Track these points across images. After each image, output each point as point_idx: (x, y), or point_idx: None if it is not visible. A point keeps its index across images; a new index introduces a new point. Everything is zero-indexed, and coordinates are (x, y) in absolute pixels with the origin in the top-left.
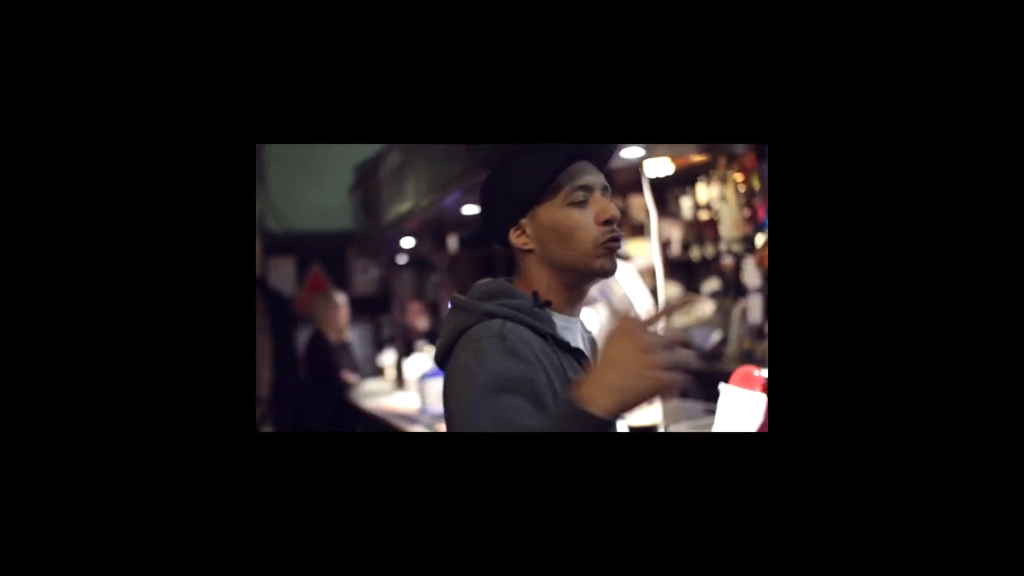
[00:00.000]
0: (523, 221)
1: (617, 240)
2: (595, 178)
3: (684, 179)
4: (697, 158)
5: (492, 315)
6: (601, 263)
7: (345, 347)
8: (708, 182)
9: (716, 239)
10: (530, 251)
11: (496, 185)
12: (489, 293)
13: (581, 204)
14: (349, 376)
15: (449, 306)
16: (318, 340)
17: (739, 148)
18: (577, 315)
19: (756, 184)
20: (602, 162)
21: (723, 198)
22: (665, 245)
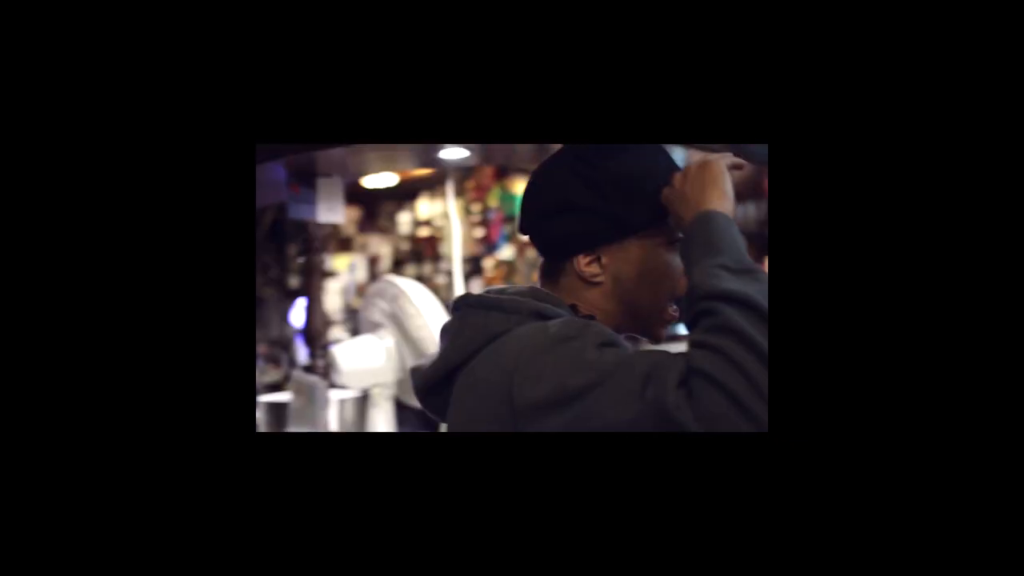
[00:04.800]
0: (608, 247)
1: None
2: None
3: (403, 193)
4: (420, 172)
5: (543, 315)
6: (666, 326)
7: None
8: (431, 197)
9: (436, 257)
10: (597, 284)
11: (586, 190)
12: (527, 293)
13: (677, 244)
14: None
15: (456, 307)
16: None
17: (473, 163)
18: None
19: (493, 202)
20: None
21: (447, 215)
22: (373, 261)
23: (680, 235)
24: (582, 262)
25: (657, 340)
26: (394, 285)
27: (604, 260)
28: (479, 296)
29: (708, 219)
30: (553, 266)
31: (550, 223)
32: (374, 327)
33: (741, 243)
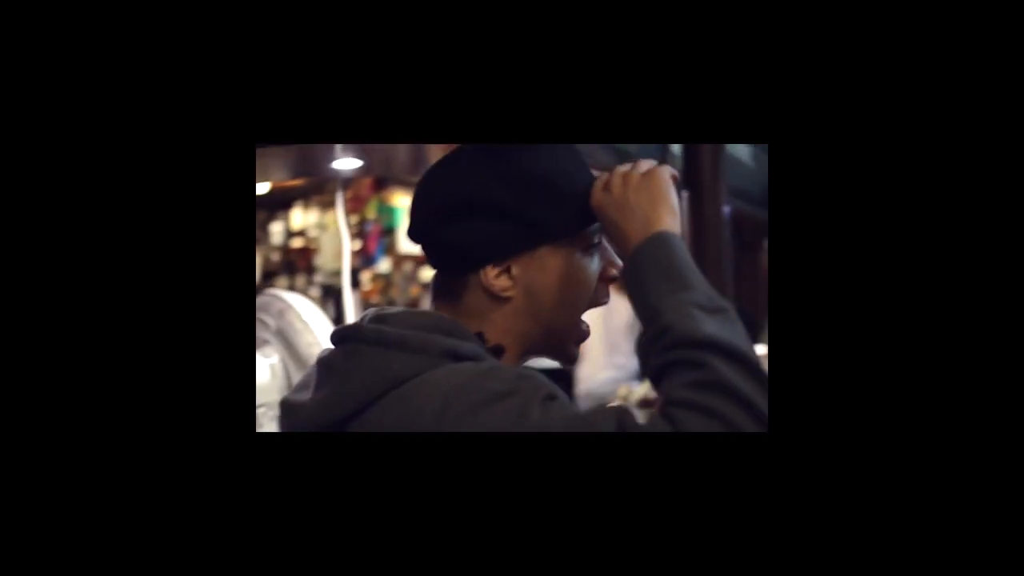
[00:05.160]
0: (517, 259)
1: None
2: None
3: (275, 202)
4: (294, 182)
5: (456, 355)
6: (575, 351)
7: None
8: (305, 207)
9: (310, 269)
10: (506, 299)
11: (495, 190)
12: (431, 326)
13: (591, 250)
14: None
15: (343, 340)
16: None
17: (351, 173)
18: None
19: (371, 214)
20: None
21: (323, 226)
22: None
23: (599, 240)
24: (490, 274)
25: (571, 361)
26: (279, 299)
27: (515, 272)
28: (375, 329)
29: (666, 243)
30: (452, 281)
31: (450, 229)
32: (257, 344)
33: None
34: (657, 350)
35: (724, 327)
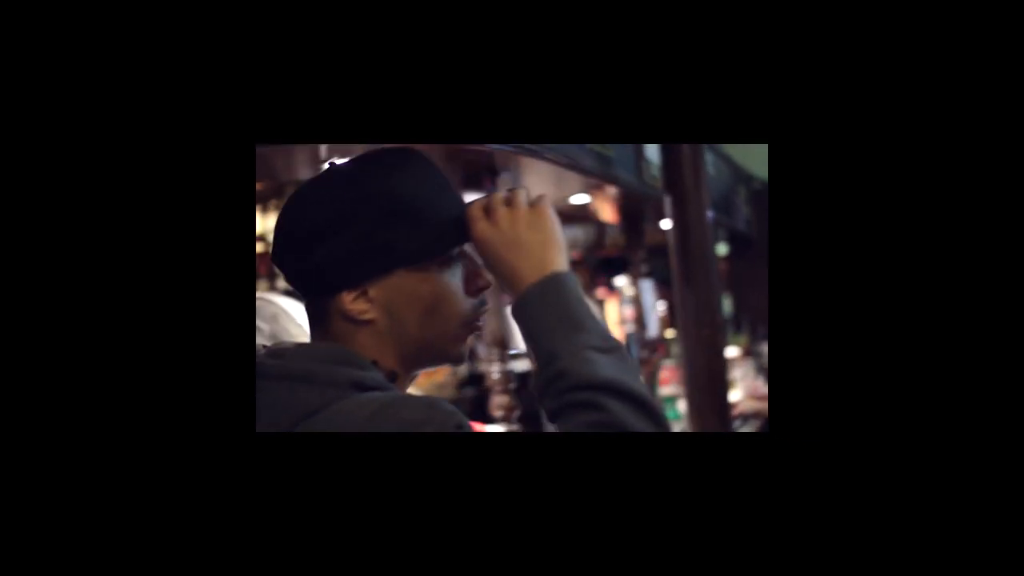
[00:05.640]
0: (373, 281)
1: (480, 318)
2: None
3: None
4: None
5: (362, 385)
6: (459, 349)
7: None
8: (263, 212)
9: (271, 275)
10: (368, 322)
11: (348, 213)
12: (333, 358)
13: (451, 264)
14: None
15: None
16: None
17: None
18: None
19: None
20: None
21: None
22: None
23: (457, 252)
24: (346, 299)
25: (459, 360)
26: (272, 303)
27: (372, 294)
28: (278, 365)
29: (561, 284)
30: (315, 307)
31: (306, 253)
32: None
33: (594, 310)
34: (553, 392)
35: (619, 367)
